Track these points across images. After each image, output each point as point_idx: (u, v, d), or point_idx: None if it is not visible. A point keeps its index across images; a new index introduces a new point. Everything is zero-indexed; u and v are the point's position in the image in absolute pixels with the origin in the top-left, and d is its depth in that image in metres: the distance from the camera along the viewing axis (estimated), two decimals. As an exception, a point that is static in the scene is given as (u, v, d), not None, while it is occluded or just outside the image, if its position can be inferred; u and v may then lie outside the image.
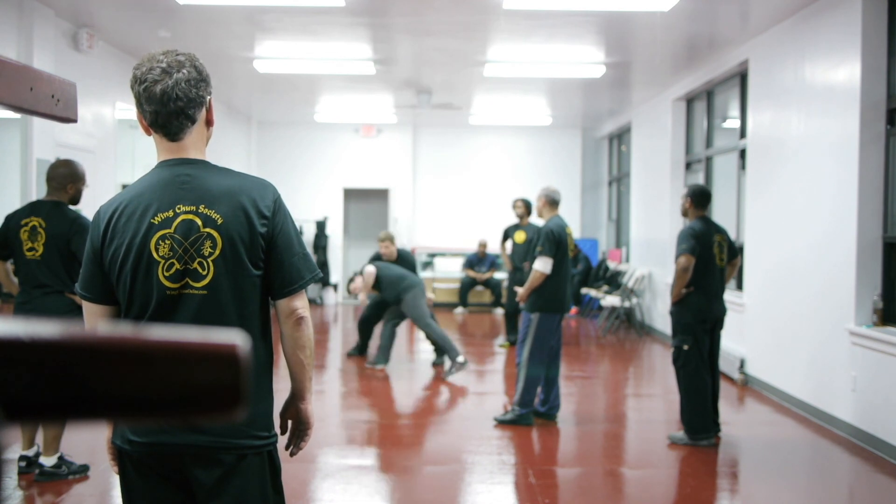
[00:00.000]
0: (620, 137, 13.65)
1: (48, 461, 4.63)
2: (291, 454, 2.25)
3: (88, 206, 5.21)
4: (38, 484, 4.58)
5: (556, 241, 5.93)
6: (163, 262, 2.02)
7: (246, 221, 2.04)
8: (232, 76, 9.94)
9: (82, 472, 4.72)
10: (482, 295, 13.75)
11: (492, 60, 8.70)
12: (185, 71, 2.02)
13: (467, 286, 13.56)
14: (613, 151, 14.15)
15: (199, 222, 2.02)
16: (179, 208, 2.03)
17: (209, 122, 2.14)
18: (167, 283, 2.02)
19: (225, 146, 12.28)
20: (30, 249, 4.53)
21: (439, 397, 6.53)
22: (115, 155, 8.46)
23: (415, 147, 14.50)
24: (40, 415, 0.57)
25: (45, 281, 4.53)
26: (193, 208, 2.03)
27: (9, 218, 4.65)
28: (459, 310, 13.46)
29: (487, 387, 7.31)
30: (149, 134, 2.11)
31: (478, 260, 13.54)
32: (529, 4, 6.49)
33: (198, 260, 2.02)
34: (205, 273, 2.02)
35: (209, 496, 2.05)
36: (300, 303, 2.14)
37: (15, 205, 6.33)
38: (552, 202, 6.17)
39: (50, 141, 6.76)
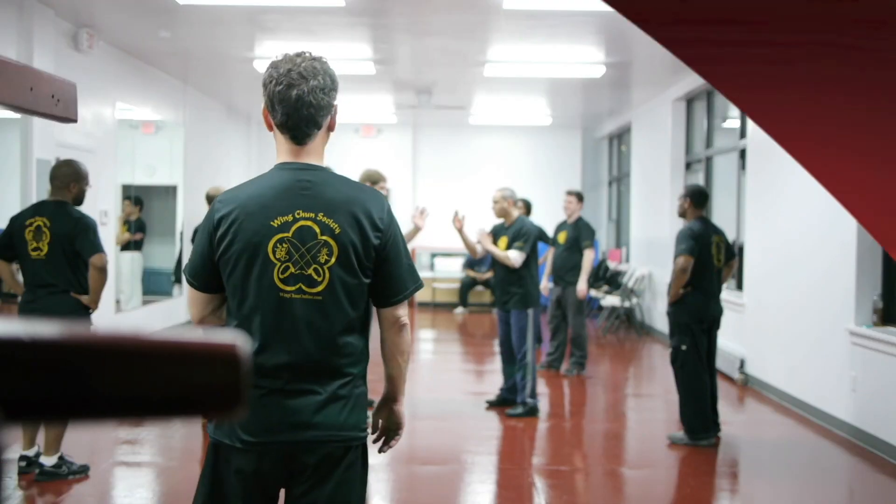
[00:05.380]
0: (620, 137, 13.65)
1: (48, 461, 4.63)
2: (380, 451, 2.35)
3: (89, 206, 5.21)
4: (38, 484, 4.58)
5: (535, 238, 6.34)
6: (279, 264, 2.06)
7: (361, 232, 2.09)
8: (232, 76, 9.94)
9: (82, 472, 4.72)
10: (482, 295, 13.76)
11: (492, 60, 8.70)
12: (320, 78, 2.09)
13: (467, 286, 13.57)
14: (613, 151, 14.15)
15: (318, 230, 2.07)
16: (299, 214, 2.07)
17: (331, 128, 2.20)
18: (281, 286, 2.07)
19: (225, 147, 12.28)
20: (34, 249, 4.54)
21: (439, 397, 6.53)
22: (115, 155, 8.47)
23: (415, 147, 14.50)
24: (41, 415, 0.57)
25: (50, 280, 4.54)
26: (312, 215, 2.07)
27: (13, 219, 4.67)
28: (459, 310, 13.46)
29: (487, 387, 7.30)
30: (271, 131, 2.16)
31: (478, 260, 13.54)
32: (529, 4, 6.49)
33: (313, 266, 2.07)
34: (320, 279, 2.07)
35: (314, 486, 2.10)
36: (403, 311, 2.23)
37: (15, 205, 6.34)
38: (517, 201, 6.48)
39: (50, 141, 6.76)
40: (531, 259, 6.29)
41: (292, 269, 2.06)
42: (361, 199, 2.13)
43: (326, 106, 2.11)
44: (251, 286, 2.08)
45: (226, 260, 2.09)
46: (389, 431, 2.34)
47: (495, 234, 6.44)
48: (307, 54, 2.12)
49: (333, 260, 2.07)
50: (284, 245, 2.06)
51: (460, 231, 6.27)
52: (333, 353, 2.09)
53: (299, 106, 2.06)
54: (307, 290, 2.07)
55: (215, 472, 2.13)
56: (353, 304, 2.11)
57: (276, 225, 2.07)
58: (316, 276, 2.07)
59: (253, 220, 2.07)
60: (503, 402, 6.47)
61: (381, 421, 2.33)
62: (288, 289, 2.07)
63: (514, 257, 6.16)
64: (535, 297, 6.28)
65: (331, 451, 2.10)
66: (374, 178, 6.15)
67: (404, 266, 2.18)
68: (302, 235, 2.07)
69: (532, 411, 6.27)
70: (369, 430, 2.25)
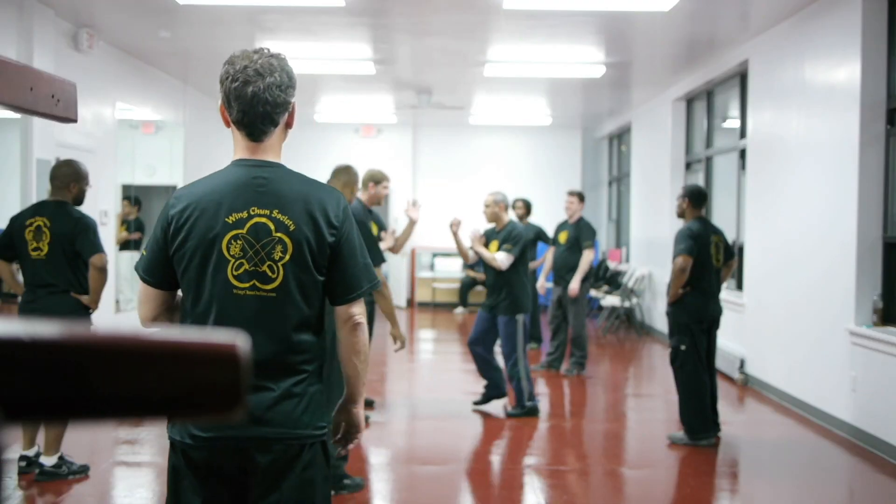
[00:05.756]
0: (620, 137, 13.65)
1: (48, 461, 4.64)
2: (338, 454, 2.32)
3: (89, 206, 5.21)
4: (38, 484, 4.58)
5: (525, 243, 6.31)
6: (233, 261, 2.07)
7: (316, 229, 2.09)
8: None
9: (82, 472, 4.72)
10: (482, 295, 13.70)
11: (492, 60, 8.70)
12: (276, 75, 2.07)
13: (467, 286, 13.56)
14: (613, 151, 14.15)
15: (272, 226, 2.07)
16: (254, 210, 2.08)
17: (289, 125, 2.19)
18: (235, 283, 2.07)
19: (225, 147, 12.26)
20: (35, 249, 4.54)
21: (439, 397, 6.53)
22: (115, 155, 8.47)
23: (415, 147, 14.50)
24: (41, 415, 0.57)
25: (51, 280, 4.54)
26: (267, 212, 2.08)
27: (13, 219, 4.67)
28: (460, 310, 13.46)
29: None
30: (228, 127, 2.16)
31: (478, 260, 13.54)
32: (529, 4, 6.49)
33: (268, 263, 2.07)
34: (274, 276, 2.07)
35: (270, 485, 2.09)
36: (358, 309, 2.20)
37: (15, 205, 6.34)
38: (508, 206, 6.46)
39: (50, 141, 6.76)
40: (521, 264, 6.24)
41: (246, 266, 2.06)
42: (317, 196, 2.12)
43: (283, 103, 2.10)
44: (205, 283, 2.08)
45: (180, 256, 2.09)
46: (348, 434, 2.32)
47: (487, 237, 6.43)
48: (266, 51, 2.10)
49: (288, 257, 2.07)
50: (239, 242, 2.06)
51: (455, 235, 6.26)
52: (288, 351, 2.08)
53: (255, 103, 2.05)
54: (261, 286, 2.07)
55: (175, 470, 2.14)
56: (308, 302, 2.11)
57: (230, 221, 2.06)
58: (270, 273, 2.07)
59: (207, 217, 2.07)
60: (489, 400, 6.47)
61: (341, 423, 2.32)
62: (242, 285, 2.07)
63: (502, 259, 6.12)
64: (524, 304, 6.22)
65: (284, 449, 2.09)
66: (376, 178, 6.13)
67: (359, 264, 2.17)
68: (256, 232, 2.07)
69: (532, 411, 6.28)
70: (328, 430, 2.24)
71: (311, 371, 2.14)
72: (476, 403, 6.53)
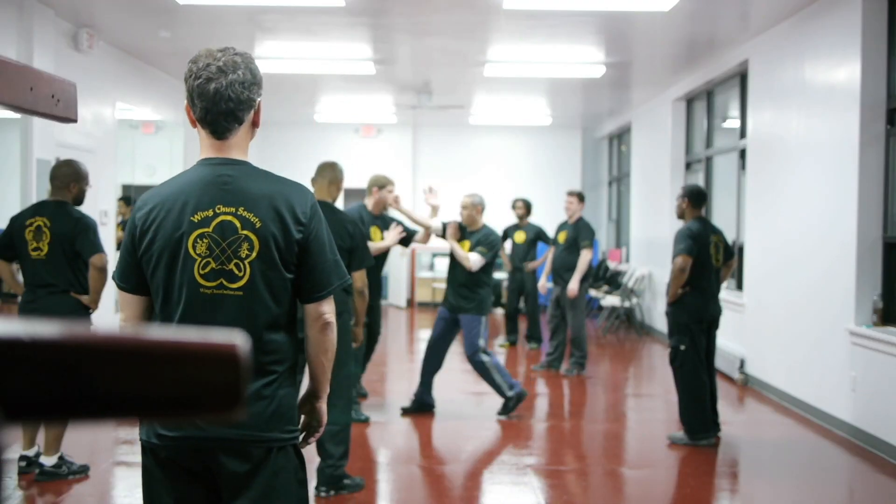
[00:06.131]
0: (620, 137, 13.65)
1: (48, 461, 4.64)
2: (300, 447, 2.30)
3: (89, 206, 5.21)
4: (38, 484, 4.58)
5: (497, 250, 6.28)
6: (199, 260, 2.05)
7: (282, 226, 2.07)
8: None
9: (82, 472, 4.72)
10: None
11: (492, 60, 8.70)
12: (240, 72, 2.05)
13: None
14: (613, 151, 14.15)
15: (238, 224, 2.06)
16: (219, 209, 2.06)
17: (255, 124, 2.17)
18: (202, 282, 2.06)
19: (225, 146, 12.27)
20: (35, 249, 4.54)
21: (438, 397, 6.53)
22: (115, 155, 8.47)
23: (415, 147, 14.50)
24: (41, 415, 0.57)
25: (50, 280, 4.54)
26: (233, 210, 2.06)
27: (13, 219, 4.67)
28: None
29: (486, 387, 7.29)
30: (195, 127, 2.14)
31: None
32: (529, 4, 6.49)
33: (234, 261, 2.06)
34: (241, 275, 2.06)
35: (238, 489, 2.08)
36: (327, 308, 2.18)
37: (15, 205, 6.34)
38: (483, 209, 6.41)
39: (50, 141, 6.76)
40: (490, 267, 6.20)
41: (213, 265, 2.05)
42: (284, 193, 2.11)
43: (247, 100, 2.08)
44: (173, 283, 2.07)
45: (148, 258, 2.08)
46: (311, 427, 2.30)
47: (461, 234, 6.34)
48: (231, 49, 2.09)
49: (254, 254, 2.05)
50: (205, 240, 2.05)
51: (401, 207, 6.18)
52: (256, 351, 2.06)
53: (217, 100, 2.03)
54: (228, 285, 2.05)
55: (146, 470, 2.14)
56: (277, 300, 2.09)
57: (196, 220, 2.05)
58: (237, 272, 2.05)
59: (172, 217, 2.06)
60: (420, 408, 6.33)
61: (303, 416, 2.30)
62: (209, 284, 2.05)
63: (474, 260, 6.06)
64: (489, 305, 6.22)
65: (250, 451, 2.06)
66: (380, 183, 6.17)
67: (328, 261, 2.15)
68: (222, 230, 2.05)
69: (519, 397, 6.21)
70: (299, 430, 2.21)
71: (282, 372, 2.12)
72: (405, 410, 6.36)
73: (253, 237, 2.05)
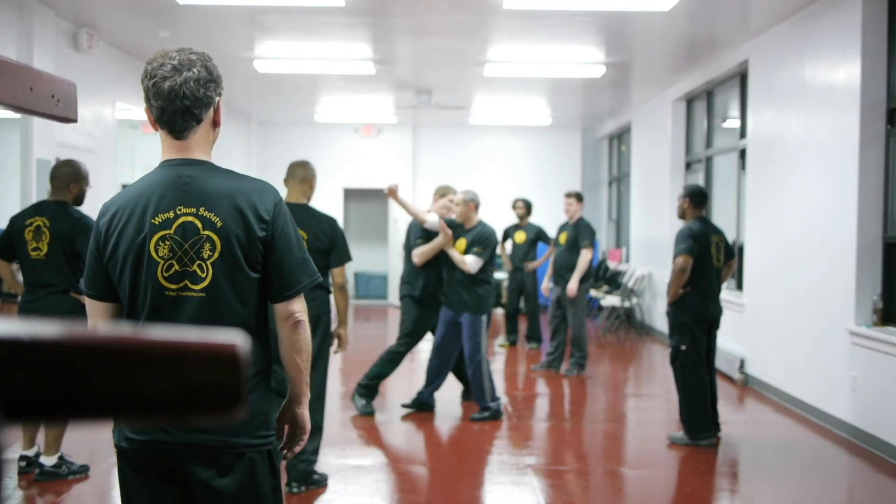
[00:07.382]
0: (620, 137, 13.65)
1: (48, 461, 4.64)
2: (285, 458, 2.26)
3: (89, 206, 5.20)
4: (38, 484, 4.58)
5: (495, 247, 6.24)
6: (162, 262, 2.03)
7: (245, 225, 2.04)
8: (232, 76, 9.93)
9: (82, 472, 4.72)
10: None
11: (492, 60, 8.70)
12: (195, 70, 2.02)
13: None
14: (613, 151, 14.15)
15: (199, 224, 2.03)
16: (180, 210, 2.03)
17: (216, 123, 2.15)
18: (166, 284, 2.03)
19: (225, 147, 12.28)
20: (34, 249, 4.54)
21: (439, 397, 6.53)
22: (115, 155, 8.46)
23: (415, 147, 14.50)
24: (41, 415, 0.57)
25: (50, 280, 4.54)
26: (193, 210, 2.03)
27: (13, 219, 4.68)
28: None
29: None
30: (155, 129, 2.12)
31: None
32: (529, 4, 6.49)
33: (197, 262, 2.03)
34: (204, 276, 2.03)
35: (208, 495, 2.05)
36: (298, 306, 2.13)
37: (15, 205, 6.34)
38: (477, 205, 6.37)
39: (50, 141, 6.76)
40: (489, 266, 6.17)
41: (176, 267, 2.02)
42: (245, 191, 2.07)
43: (203, 98, 2.05)
44: (139, 287, 2.04)
45: (113, 264, 2.06)
46: (294, 436, 2.23)
47: (455, 233, 6.26)
48: (187, 49, 2.06)
49: (217, 255, 2.03)
50: (167, 243, 2.02)
51: (398, 200, 6.05)
52: None
53: (172, 98, 2.01)
54: (192, 287, 2.03)
55: (120, 473, 2.14)
56: (242, 301, 2.06)
57: (157, 223, 2.03)
58: (200, 273, 2.03)
59: (134, 221, 2.04)
60: (420, 408, 6.37)
61: (285, 426, 2.23)
62: (173, 286, 2.03)
63: (472, 263, 6.03)
64: (489, 304, 6.19)
65: (218, 457, 2.03)
66: (441, 192, 6.50)
67: (296, 259, 2.11)
68: (184, 231, 2.02)
69: (496, 414, 6.18)
70: (274, 436, 2.16)
71: (252, 376, 2.07)
72: (406, 406, 6.44)
73: (215, 237, 2.02)
